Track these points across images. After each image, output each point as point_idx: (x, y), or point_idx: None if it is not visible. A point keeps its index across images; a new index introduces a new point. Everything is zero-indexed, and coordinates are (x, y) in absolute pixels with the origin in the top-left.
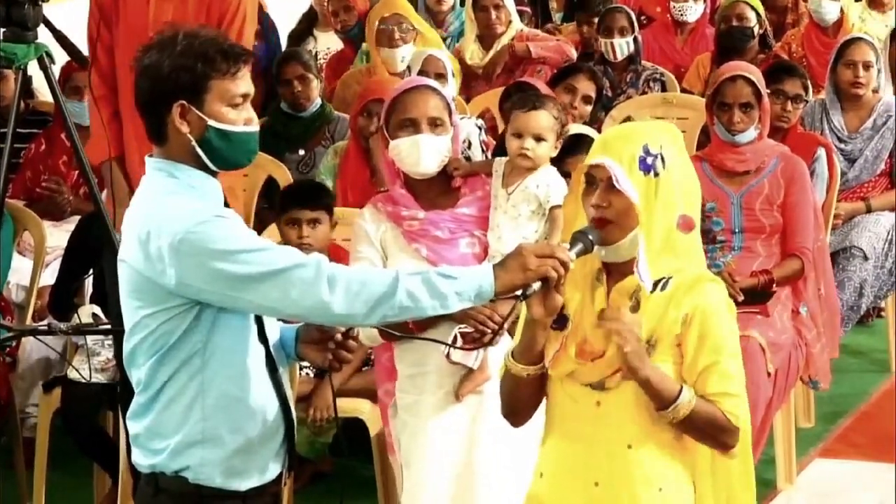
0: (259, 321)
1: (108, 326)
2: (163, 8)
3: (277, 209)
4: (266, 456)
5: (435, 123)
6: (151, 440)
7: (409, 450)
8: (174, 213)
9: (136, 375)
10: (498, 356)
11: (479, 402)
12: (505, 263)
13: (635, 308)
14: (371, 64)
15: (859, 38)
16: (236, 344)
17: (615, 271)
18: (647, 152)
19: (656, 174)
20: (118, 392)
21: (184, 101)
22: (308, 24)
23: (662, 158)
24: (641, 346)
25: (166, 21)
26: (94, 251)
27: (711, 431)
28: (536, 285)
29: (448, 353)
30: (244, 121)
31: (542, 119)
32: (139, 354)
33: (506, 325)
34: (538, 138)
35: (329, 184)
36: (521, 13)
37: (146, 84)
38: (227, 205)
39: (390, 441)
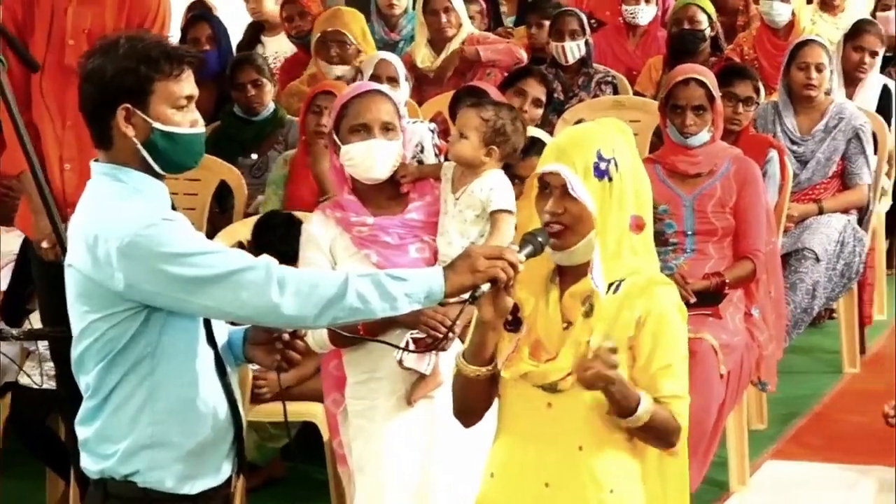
0: (207, 324)
1: (61, 332)
2: (81, 15)
3: (253, 240)
4: (216, 459)
5: (387, 128)
6: (100, 445)
7: (363, 456)
8: (122, 217)
9: (85, 380)
10: (450, 361)
11: (431, 407)
12: (454, 265)
13: (589, 312)
14: (313, 71)
15: (812, 41)
16: (185, 347)
17: (569, 274)
18: (600, 158)
19: (610, 179)
20: (60, 397)
21: (128, 105)
22: (254, 33)
23: (615, 163)
24: (612, 371)
25: (85, 29)
26: None
27: (662, 434)
28: (486, 287)
29: (401, 358)
30: (189, 122)
31: (468, 117)
32: (88, 359)
33: (456, 330)
34: (461, 135)
35: (279, 192)
36: (469, 8)
37: (90, 89)
38: (174, 208)
39: (340, 451)
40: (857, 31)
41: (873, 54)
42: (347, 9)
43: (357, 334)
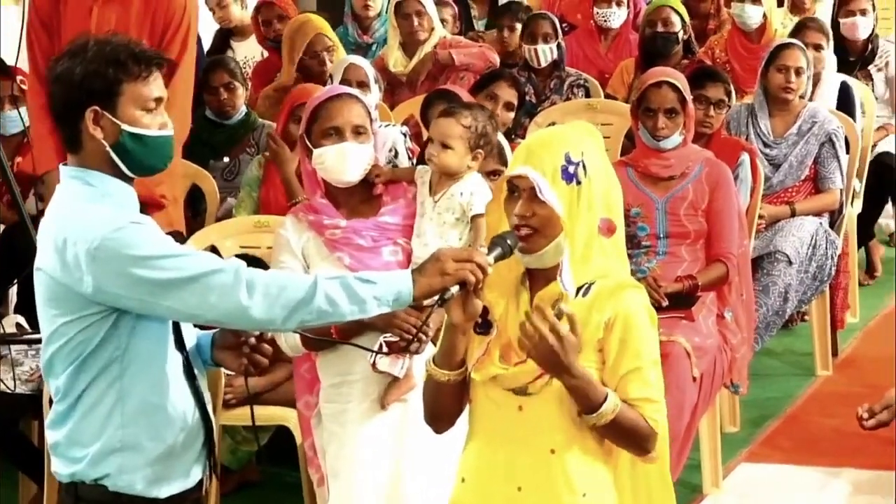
0: (176, 328)
1: (33, 336)
2: (105, 16)
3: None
4: (186, 462)
5: (358, 131)
6: (71, 449)
7: (337, 459)
8: (91, 220)
9: (55, 384)
10: (423, 365)
11: (404, 411)
12: (423, 268)
13: (559, 315)
14: (286, 78)
15: (793, 44)
16: (154, 351)
17: (539, 277)
18: (568, 161)
19: (578, 182)
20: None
21: (97, 107)
22: (223, 39)
23: (584, 166)
24: (567, 350)
25: (109, 30)
26: (18, 261)
27: (633, 437)
28: (455, 289)
29: (374, 361)
30: (159, 125)
31: (450, 127)
32: (57, 363)
33: (430, 333)
34: (445, 146)
35: (254, 195)
36: (443, 12)
37: (59, 92)
38: (143, 212)
39: (310, 454)
40: (799, 29)
41: (818, 48)
42: (312, 14)
43: (330, 337)
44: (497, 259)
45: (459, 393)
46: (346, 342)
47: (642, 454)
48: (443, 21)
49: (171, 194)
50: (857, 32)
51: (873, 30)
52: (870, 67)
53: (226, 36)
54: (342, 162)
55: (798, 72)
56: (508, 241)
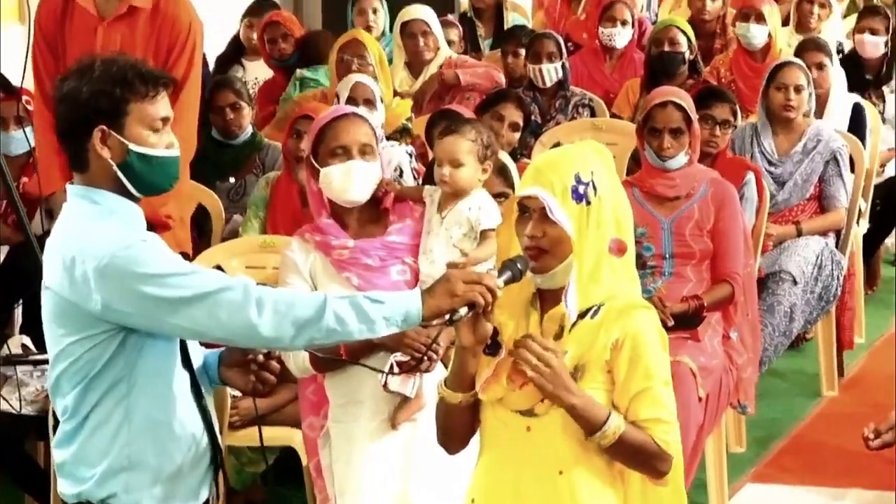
0: (183, 346)
1: (38, 357)
2: (110, 37)
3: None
4: (193, 481)
5: (365, 150)
6: (78, 468)
7: (345, 478)
8: (99, 238)
9: (62, 403)
10: (433, 385)
11: (413, 430)
12: (433, 289)
13: (559, 335)
14: (326, 89)
15: (791, 62)
16: (162, 369)
17: (549, 298)
18: (578, 181)
19: (588, 202)
20: (53, 422)
21: (104, 126)
22: (235, 51)
23: (594, 185)
24: (560, 373)
25: (114, 50)
26: (23, 281)
27: (642, 458)
28: (463, 311)
29: (385, 382)
30: (165, 145)
31: (458, 144)
32: (64, 382)
33: (440, 352)
34: (455, 164)
35: (260, 214)
36: (449, 33)
37: (66, 111)
38: (150, 229)
39: (315, 475)
40: (801, 49)
41: (821, 66)
42: (366, 32)
43: (339, 357)
44: (507, 283)
45: (471, 414)
46: (356, 362)
47: (656, 476)
48: (449, 42)
49: (178, 215)
50: (866, 50)
51: (887, 50)
52: (884, 88)
53: (239, 49)
54: (349, 180)
55: (798, 89)
56: (519, 266)
